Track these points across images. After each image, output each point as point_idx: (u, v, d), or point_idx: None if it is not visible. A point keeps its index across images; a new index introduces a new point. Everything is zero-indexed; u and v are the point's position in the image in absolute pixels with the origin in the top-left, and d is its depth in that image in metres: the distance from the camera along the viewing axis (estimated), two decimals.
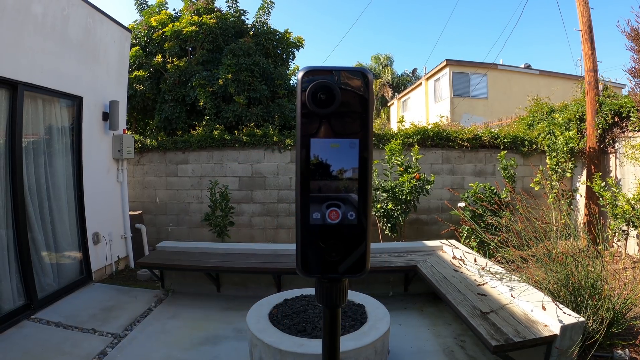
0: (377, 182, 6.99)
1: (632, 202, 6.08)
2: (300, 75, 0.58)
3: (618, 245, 6.34)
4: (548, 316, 3.11)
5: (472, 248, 5.71)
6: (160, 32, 9.66)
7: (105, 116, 6.33)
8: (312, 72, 0.57)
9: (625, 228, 6.29)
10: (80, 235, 5.78)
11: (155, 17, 9.88)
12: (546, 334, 2.99)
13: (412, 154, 7.20)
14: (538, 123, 9.02)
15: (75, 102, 5.74)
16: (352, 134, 0.57)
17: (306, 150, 0.57)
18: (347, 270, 0.62)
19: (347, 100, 0.57)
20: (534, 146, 8.54)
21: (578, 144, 7.84)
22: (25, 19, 4.67)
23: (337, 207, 0.60)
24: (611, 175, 7.45)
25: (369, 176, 0.59)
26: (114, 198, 6.67)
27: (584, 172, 7.85)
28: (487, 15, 58.22)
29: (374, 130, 0.60)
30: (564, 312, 3.08)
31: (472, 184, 6.72)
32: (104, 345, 3.99)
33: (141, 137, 8.93)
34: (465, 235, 6.18)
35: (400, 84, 29.59)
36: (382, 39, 65.05)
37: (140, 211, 7.86)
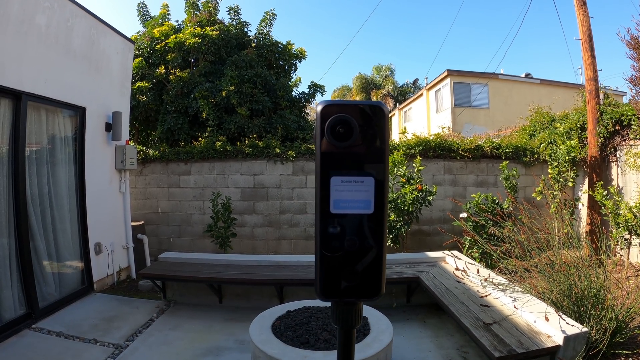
0: None
1: (634, 210, 6.07)
2: (318, 109, 0.60)
3: (620, 254, 6.31)
4: (551, 327, 3.09)
5: (474, 259, 5.69)
6: (163, 43, 9.75)
7: (108, 127, 6.37)
8: (330, 107, 0.59)
9: (627, 237, 6.28)
10: (82, 245, 5.79)
11: (158, 29, 9.97)
12: (549, 344, 2.97)
13: (414, 165, 7.21)
14: (539, 132, 9.04)
15: (79, 113, 5.78)
16: (370, 165, 0.60)
17: (326, 182, 0.59)
18: (363, 294, 0.66)
19: (364, 134, 0.59)
20: (536, 156, 8.54)
21: (579, 153, 7.85)
22: (29, 29, 4.72)
23: (355, 235, 0.62)
24: (613, 183, 7.45)
25: (385, 206, 0.62)
26: (116, 208, 6.68)
27: (586, 181, 7.85)
28: (488, 25, 58.51)
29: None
30: (567, 323, 3.07)
31: (474, 195, 6.71)
32: (106, 356, 3.98)
33: (144, 148, 8.98)
34: (467, 246, 6.16)
35: (402, 95, 29.55)
36: (383, 50, 65.34)
37: (143, 222, 7.86)
